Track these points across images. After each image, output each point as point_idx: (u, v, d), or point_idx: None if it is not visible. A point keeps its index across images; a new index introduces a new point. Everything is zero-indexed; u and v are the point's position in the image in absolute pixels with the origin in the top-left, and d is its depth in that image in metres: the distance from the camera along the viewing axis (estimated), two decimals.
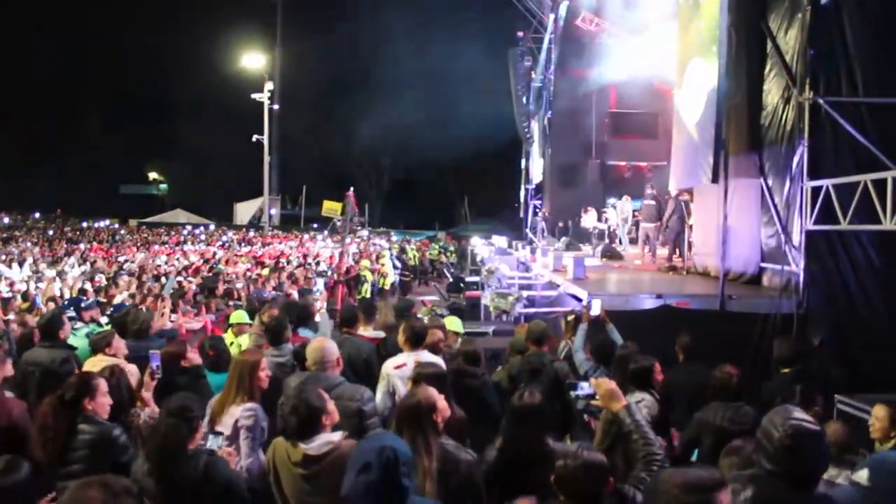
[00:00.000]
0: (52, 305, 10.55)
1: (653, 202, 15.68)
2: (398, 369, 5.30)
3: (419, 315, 8.05)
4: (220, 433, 4.45)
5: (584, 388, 3.73)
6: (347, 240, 21.45)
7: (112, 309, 10.44)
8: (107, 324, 9.29)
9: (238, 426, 4.41)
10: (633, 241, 19.95)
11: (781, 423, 2.86)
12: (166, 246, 32.95)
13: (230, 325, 8.90)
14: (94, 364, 5.34)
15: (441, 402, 3.80)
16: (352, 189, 17.35)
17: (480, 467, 3.81)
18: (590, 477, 2.97)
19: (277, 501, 3.82)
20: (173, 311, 10.60)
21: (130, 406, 4.72)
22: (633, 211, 20.93)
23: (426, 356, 5.52)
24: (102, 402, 4.26)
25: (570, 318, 7.62)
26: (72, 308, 9.69)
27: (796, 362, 6.31)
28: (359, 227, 28.01)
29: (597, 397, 3.71)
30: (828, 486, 3.37)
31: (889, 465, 2.57)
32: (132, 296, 12.60)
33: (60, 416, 4.11)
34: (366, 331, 6.79)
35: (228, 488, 3.76)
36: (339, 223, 20.16)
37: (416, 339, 5.63)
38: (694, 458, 5.18)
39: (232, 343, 7.50)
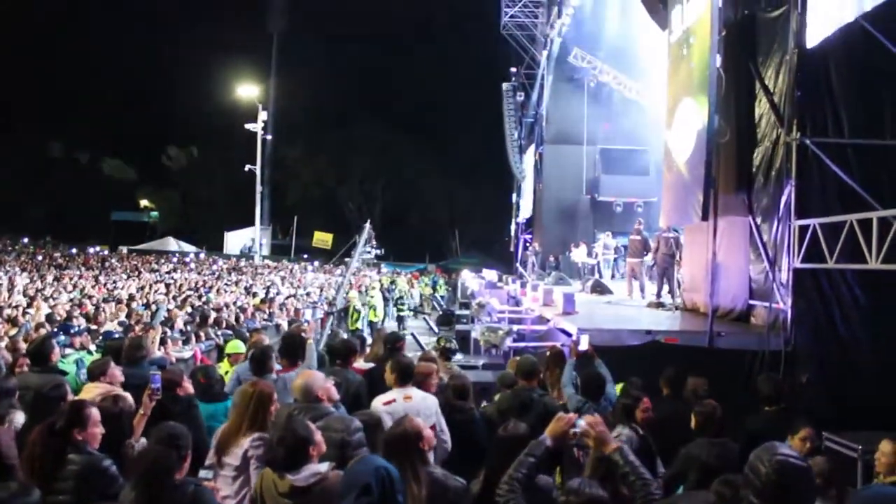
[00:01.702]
0: (42, 331, 10.50)
1: (638, 237, 15.76)
2: (387, 405, 5.30)
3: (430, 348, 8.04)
4: (210, 467, 4.45)
5: (581, 424, 3.73)
6: (357, 270, 21.41)
7: (102, 336, 10.42)
8: (96, 350, 9.28)
9: (248, 456, 4.37)
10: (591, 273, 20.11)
11: (768, 458, 2.88)
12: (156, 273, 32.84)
13: (226, 354, 8.91)
14: (89, 391, 5.32)
15: (427, 430, 3.83)
16: (369, 221, 17.45)
17: (469, 494, 3.83)
18: None
19: None
20: (162, 340, 10.57)
21: (129, 436, 4.69)
22: (618, 246, 21.09)
23: (415, 392, 5.55)
24: (94, 433, 4.19)
25: (548, 353, 7.62)
26: (62, 334, 9.69)
27: (779, 400, 6.35)
28: (374, 259, 28.02)
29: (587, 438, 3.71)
30: None
31: (868, 494, 2.60)
32: (122, 323, 12.57)
33: (49, 444, 4.04)
34: (357, 362, 6.83)
35: None
36: (357, 252, 20.17)
37: (404, 375, 5.65)
38: (679, 492, 5.20)
39: (227, 372, 7.50)
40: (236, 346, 8.79)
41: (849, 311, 9.37)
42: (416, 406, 5.38)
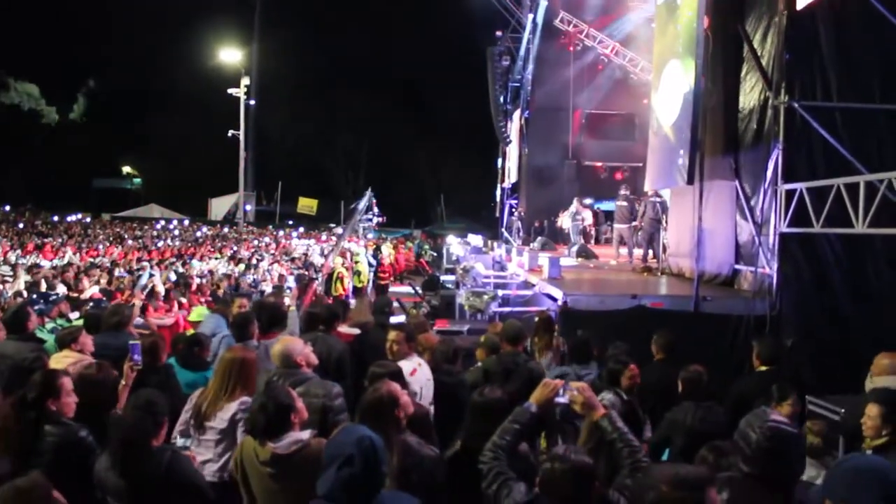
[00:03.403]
0: (19, 300, 10.35)
1: (625, 203, 15.72)
2: (412, 376, 5.23)
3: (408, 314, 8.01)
4: (189, 435, 4.38)
5: (570, 388, 3.66)
6: (357, 237, 21.24)
7: (92, 304, 10.30)
8: (77, 319, 9.16)
9: (236, 419, 4.34)
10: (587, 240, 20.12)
11: (759, 424, 2.84)
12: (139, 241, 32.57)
13: (193, 321, 8.84)
14: (59, 360, 5.22)
15: (404, 397, 3.78)
16: (370, 189, 17.39)
17: (443, 463, 3.78)
18: (577, 481, 2.91)
19: (245, 501, 3.75)
20: (144, 307, 10.47)
21: (114, 405, 4.60)
22: (597, 211, 21.09)
23: (423, 361, 5.52)
24: (68, 402, 4.09)
25: (537, 319, 7.56)
26: (42, 302, 9.55)
27: (776, 361, 6.32)
28: (375, 227, 27.87)
29: (573, 405, 3.65)
30: (806, 488, 3.37)
31: (848, 466, 2.55)
32: (103, 290, 12.44)
33: (23, 416, 3.95)
34: (341, 327, 6.77)
35: (192, 487, 3.69)
36: (360, 220, 20.05)
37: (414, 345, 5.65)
38: (664, 458, 5.19)
39: None
40: (200, 312, 8.72)
41: (834, 276, 9.38)
42: (426, 374, 5.36)
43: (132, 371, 4.86)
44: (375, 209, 22.98)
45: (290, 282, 15.54)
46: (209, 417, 4.40)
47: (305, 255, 27.33)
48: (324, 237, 40.84)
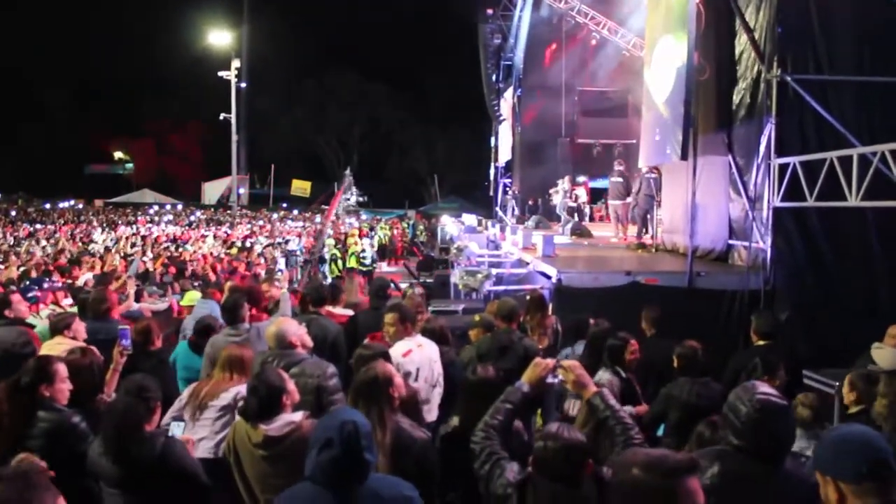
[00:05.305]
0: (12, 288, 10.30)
1: (620, 179, 15.66)
2: (407, 357, 5.22)
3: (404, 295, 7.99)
4: (183, 421, 4.38)
5: (553, 375, 3.65)
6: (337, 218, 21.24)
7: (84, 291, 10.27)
8: (70, 306, 9.12)
9: (237, 398, 4.33)
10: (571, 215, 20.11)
11: (749, 398, 2.84)
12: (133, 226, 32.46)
13: (185, 306, 8.81)
14: (52, 347, 5.20)
15: (398, 377, 3.78)
16: (349, 168, 17.38)
17: (434, 447, 3.78)
18: (570, 459, 2.89)
19: (238, 484, 3.74)
20: (138, 293, 10.41)
21: (100, 390, 4.58)
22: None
23: (423, 340, 5.52)
24: (62, 388, 4.07)
25: (528, 297, 7.53)
26: (35, 287, 9.52)
27: (774, 335, 6.32)
28: (356, 206, 27.86)
29: (564, 384, 3.64)
30: (796, 460, 3.38)
31: (836, 435, 2.55)
32: (95, 276, 12.39)
33: (16, 402, 3.93)
34: (335, 308, 6.75)
35: (186, 472, 3.68)
36: (345, 202, 20.04)
37: (413, 325, 5.61)
38: (660, 432, 5.20)
39: None
40: (192, 297, 8.68)
41: (828, 250, 9.39)
42: (430, 353, 5.33)
43: (121, 356, 4.86)
44: (354, 189, 22.94)
45: (282, 264, 15.53)
46: (209, 402, 4.45)
47: (299, 237, 27.27)
48: (318, 219, 40.79)
